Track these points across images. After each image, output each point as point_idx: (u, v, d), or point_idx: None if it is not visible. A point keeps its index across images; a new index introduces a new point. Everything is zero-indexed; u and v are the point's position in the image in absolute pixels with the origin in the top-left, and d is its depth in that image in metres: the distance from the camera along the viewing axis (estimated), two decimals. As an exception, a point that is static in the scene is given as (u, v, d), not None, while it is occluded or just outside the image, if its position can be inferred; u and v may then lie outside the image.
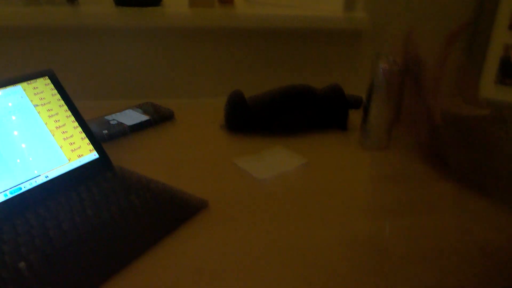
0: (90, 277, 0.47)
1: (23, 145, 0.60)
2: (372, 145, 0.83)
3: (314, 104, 0.90)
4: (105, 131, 0.80)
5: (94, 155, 0.68)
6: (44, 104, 0.65)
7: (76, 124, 0.68)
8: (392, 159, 0.81)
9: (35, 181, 0.60)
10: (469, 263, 0.52)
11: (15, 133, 0.60)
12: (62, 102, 0.67)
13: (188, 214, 0.59)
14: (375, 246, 0.55)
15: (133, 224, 0.56)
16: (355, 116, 0.90)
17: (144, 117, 0.87)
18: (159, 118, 0.89)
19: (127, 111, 0.90)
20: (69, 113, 0.67)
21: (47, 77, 0.67)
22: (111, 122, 0.84)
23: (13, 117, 0.61)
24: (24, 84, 0.64)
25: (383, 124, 0.81)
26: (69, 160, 0.64)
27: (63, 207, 0.58)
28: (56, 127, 0.65)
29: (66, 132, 0.66)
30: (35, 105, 0.64)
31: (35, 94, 0.64)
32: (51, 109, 0.65)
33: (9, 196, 0.57)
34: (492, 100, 1.07)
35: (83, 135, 0.68)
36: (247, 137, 0.86)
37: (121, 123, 0.84)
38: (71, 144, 0.66)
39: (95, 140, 0.69)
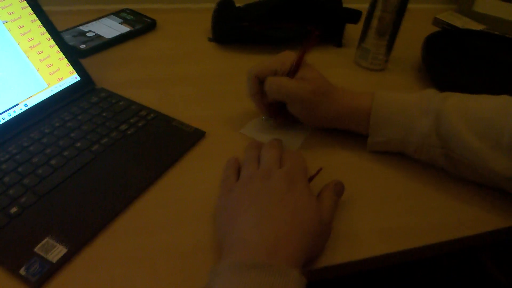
0: (90, 221, 0.44)
1: (-4, 70, 0.54)
2: (369, 65, 0.79)
3: (307, 15, 0.83)
4: (83, 46, 0.72)
5: (75, 77, 0.62)
6: (15, 19, 0.56)
7: (52, 42, 0.60)
8: (389, 81, 0.78)
9: (14, 111, 0.54)
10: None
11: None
12: (34, 16, 0.59)
13: (185, 146, 0.56)
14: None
15: (129, 158, 0.53)
16: (351, 31, 0.85)
17: (125, 28, 0.79)
18: (140, 28, 0.81)
19: (104, 19, 0.81)
20: (43, 29, 0.59)
21: (13, -15, 0.58)
22: (88, 34, 0.76)
23: (-20, 37, 0.53)
24: (-12, -5, 0.55)
25: (384, 43, 0.76)
26: (48, 84, 0.58)
27: (49, 140, 0.53)
28: (31, 47, 0.57)
29: (42, 52, 0.58)
30: (4, 21, 0.55)
31: (2, 8, 0.55)
32: (23, 26, 0.57)
33: (-13, 129, 0.52)
34: (487, 16, 1.02)
35: (61, 55, 0.61)
36: (238, 50, 0.81)
37: (100, 35, 0.76)
38: (48, 66, 0.59)
39: (75, 60, 0.62)
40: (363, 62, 0.79)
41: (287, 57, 0.56)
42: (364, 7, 0.78)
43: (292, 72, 0.55)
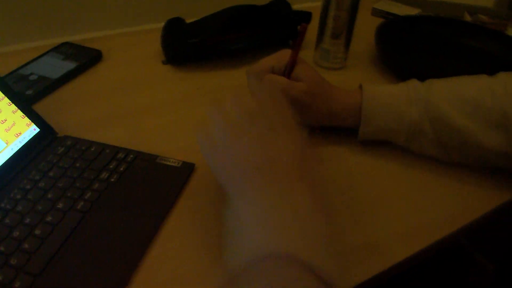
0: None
1: None
2: (330, 65, 0.79)
3: (258, 23, 0.81)
4: (29, 91, 0.65)
5: (33, 129, 0.55)
6: (-47, 77, 0.49)
7: (1, 94, 0.53)
8: (351, 77, 0.78)
9: (-24, 181, 0.47)
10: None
11: None
12: (-26, 69, 0.51)
13: (178, 183, 0.51)
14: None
15: (122, 211, 0.47)
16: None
17: (69, 64, 0.72)
18: (86, 62, 0.74)
19: (44, 58, 0.73)
20: (-12, 82, 0.52)
21: None
22: (31, 78, 0.68)
23: None
24: None
25: (342, 41, 0.76)
26: (6, 143, 0.51)
27: (25, 207, 0.46)
28: (-22, 104, 0.50)
29: (-8, 108, 0.51)
30: None
31: None
32: (-36, 82, 0.50)
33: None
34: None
35: (14, 107, 0.54)
36: (196, 70, 0.77)
37: (44, 77, 0.68)
38: (2, 122, 0.52)
39: (30, 110, 0.56)
40: (324, 63, 0.79)
41: (283, 54, 0.56)
42: (311, 6, 0.78)
43: (287, 71, 0.55)
